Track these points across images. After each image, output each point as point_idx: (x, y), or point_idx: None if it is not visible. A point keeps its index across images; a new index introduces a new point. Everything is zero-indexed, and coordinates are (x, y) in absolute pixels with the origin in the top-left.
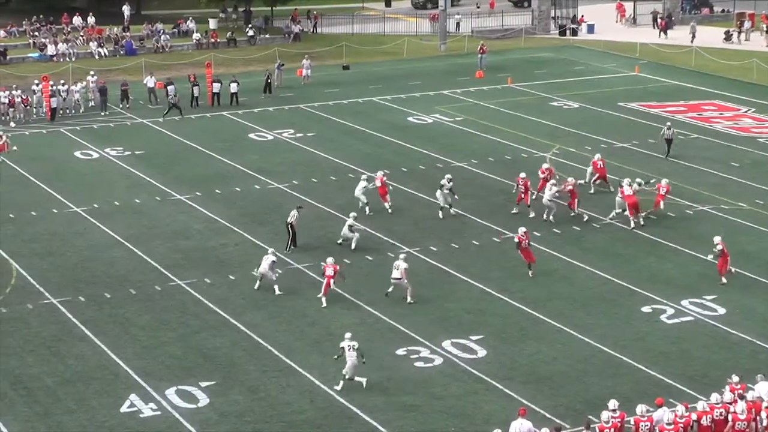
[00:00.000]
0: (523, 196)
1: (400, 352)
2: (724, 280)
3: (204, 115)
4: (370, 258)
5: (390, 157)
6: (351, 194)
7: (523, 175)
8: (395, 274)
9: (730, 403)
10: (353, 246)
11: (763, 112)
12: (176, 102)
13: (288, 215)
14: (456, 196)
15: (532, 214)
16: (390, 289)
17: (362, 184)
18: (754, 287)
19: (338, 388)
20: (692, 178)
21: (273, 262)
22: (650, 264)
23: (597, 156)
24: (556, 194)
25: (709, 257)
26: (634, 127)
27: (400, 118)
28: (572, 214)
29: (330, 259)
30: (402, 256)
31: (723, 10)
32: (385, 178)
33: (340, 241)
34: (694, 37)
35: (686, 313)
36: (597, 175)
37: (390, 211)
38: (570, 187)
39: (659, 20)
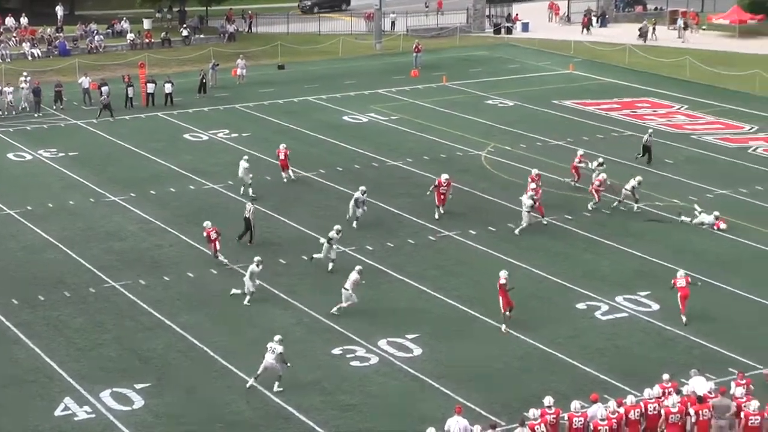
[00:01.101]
0: (443, 196)
1: (336, 351)
2: (683, 319)
3: (138, 115)
4: (305, 257)
5: (325, 156)
6: (289, 194)
7: (445, 176)
8: (348, 284)
9: (661, 398)
10: (330, 267)
11: (696, 109)
12: (107, 103)
13: (244, 209)
14: (365, 208)
15: (437, 216)
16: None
17: (244, 165)
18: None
19: (247, 386)
20: (628, 176)
21: (252, 273)
22: (585, 261)
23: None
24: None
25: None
26: (569, 125)
27: (335, 117)
28: (544, 222)
29: (207, 223)
30: (358, 268)
31: (656, 8)
32: (289, 152)
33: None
34: (647, 34)
35: (621, 309)
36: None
37: (293, 178)
38: (539, 193)
39: (583, 17)
